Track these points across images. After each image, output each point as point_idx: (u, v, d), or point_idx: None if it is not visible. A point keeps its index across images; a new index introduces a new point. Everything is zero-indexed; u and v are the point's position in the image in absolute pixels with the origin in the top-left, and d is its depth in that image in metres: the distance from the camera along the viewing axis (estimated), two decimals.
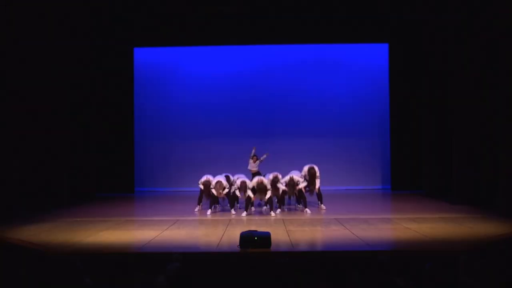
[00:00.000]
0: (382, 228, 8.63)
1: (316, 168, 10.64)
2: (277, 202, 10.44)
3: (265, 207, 10.89)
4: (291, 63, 15.20)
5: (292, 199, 11.36)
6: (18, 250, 7.22)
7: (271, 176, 10.33)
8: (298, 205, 10.94)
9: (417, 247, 7.14)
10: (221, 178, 10.51)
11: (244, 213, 10.06)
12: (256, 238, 6.95)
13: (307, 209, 10.34)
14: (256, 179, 10.22)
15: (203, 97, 15.12)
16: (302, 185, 10.50)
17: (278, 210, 10.38)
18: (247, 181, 10.29)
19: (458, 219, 9.19)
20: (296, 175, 10.55)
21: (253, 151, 12.01)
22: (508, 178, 9.46)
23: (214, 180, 10.42)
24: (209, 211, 10.37)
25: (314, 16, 14.01)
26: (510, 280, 4.63)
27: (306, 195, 10.65)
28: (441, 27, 12.28)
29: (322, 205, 10.89)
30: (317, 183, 10.63)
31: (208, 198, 10.48)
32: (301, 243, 7.54)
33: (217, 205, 10.87)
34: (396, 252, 6.91)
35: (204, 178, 10.56)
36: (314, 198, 10.94)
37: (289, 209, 11.00)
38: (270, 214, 10.07)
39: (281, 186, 10.26)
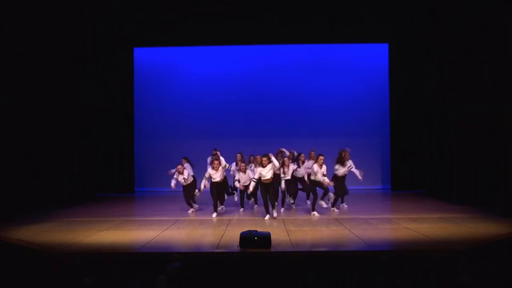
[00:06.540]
0: (382, 228, 8.63)
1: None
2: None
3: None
4: (291, 63, 15.20)
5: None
6: (18, 250, 7.23)
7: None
8: (310, 202, 10.72)
9: (417, 247, 7.14)
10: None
11: (255, 206, 9.87)
12: (256, 238, 6.95)
13: (315, 212, 10.10)
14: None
15: (203, 97, 15.13)
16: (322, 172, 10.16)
17: (274, 213, 9.78)
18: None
19: (458, 219, 9.20)
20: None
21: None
22: (508, 178, 9.46)
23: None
24: (214, 214, 10.20)
25: (314, 16, 14.01)
26: (510, 280, 4.63)
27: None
28: (441, 27, 12.27)
29: (334, 208, 10.63)
30: (324, 171, 10.24)
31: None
32: (301, 243, 7.53)
33: (222, 206, 10.75)
34: (396, 252, 6.91)
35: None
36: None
37: (289, 209, 11.00)
38: (275, 216, 9.69)
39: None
